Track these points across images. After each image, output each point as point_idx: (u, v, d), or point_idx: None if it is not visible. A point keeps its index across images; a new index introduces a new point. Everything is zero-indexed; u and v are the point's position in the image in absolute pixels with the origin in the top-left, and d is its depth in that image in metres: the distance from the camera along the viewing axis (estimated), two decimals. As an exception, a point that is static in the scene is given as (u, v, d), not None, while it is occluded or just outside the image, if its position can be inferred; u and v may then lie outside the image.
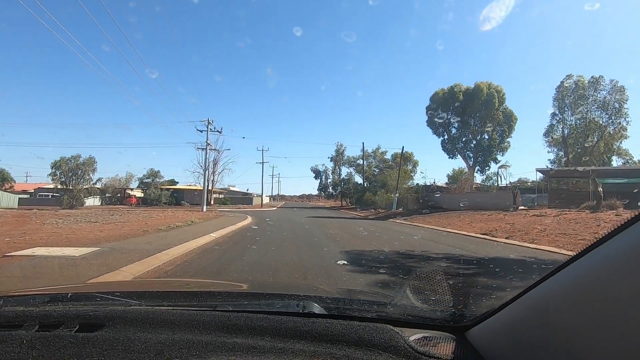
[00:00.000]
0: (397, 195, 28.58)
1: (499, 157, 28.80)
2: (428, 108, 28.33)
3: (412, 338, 0.92)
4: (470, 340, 0.96)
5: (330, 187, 57.66)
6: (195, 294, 1.35)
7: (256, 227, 15.51)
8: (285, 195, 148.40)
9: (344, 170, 56.15)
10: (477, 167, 28.04)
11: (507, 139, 27.40)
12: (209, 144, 28.93)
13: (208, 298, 1.25)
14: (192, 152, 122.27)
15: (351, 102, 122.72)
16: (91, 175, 49.96)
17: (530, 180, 35.74)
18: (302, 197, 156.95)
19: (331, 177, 57.61)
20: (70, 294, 1.18)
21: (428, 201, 26.37)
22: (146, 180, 55.79)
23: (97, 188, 50.57)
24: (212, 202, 52.61)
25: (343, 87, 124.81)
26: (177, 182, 58.11)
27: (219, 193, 63.16)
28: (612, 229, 0.59)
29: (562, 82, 29.02)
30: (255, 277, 5.25)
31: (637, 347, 0.49)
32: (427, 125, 28.72)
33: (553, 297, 0.73)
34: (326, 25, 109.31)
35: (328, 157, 57.62)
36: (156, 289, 1.57)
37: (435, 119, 27.16)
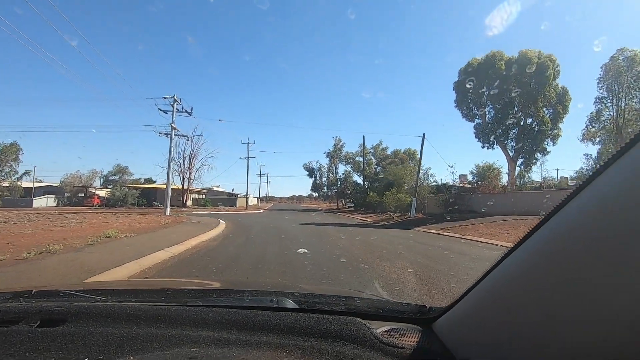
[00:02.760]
0: (415, 197, 22.56)
1: (548, 147, 22.37)
2: (457, 85, 21.76)
3: (379, 330, 0.94)
4: (436, 332, 0.98)
5: (325, 187, 51.38)
6: (166, 291, 1.35)
7: (219, 245, 9.20)
8: (274, 197, 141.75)
9: (341, 169, 50.09)
10: (520, 159, 22.31)
11: (559, 124, 21.33)
12: (174, 127, 22.37)
13: (180, 295, 1.26)
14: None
15: (350, 97, 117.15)
16: (14, 166, 40.21)
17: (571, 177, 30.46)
18: (292, 198, 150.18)
19: (326, 175, 51.40)
20: (34, 291, 1.15)
21: (453, 203, 20.52)
22: (112, 178, 48.50)
23: (54, 186, 43.18)
24: (188, 203, 45.93)
25: (342, 82, 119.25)
26: (155, 181, 51.40)
27: (200, 193, 56.38)
28: (549, 211, 0.63)
29: (612, 58, 23.47)
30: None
31: (581, 317, 0.53)
32: (456, 107, 21.81)
33: (503, 280, 0.76)
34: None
35: (324, 153, 51.57)
36: (128, 287, 1.60)
37: (468, 98, 20.82)
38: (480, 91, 19.90)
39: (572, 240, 0.57)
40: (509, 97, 18.82)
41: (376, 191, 35.14)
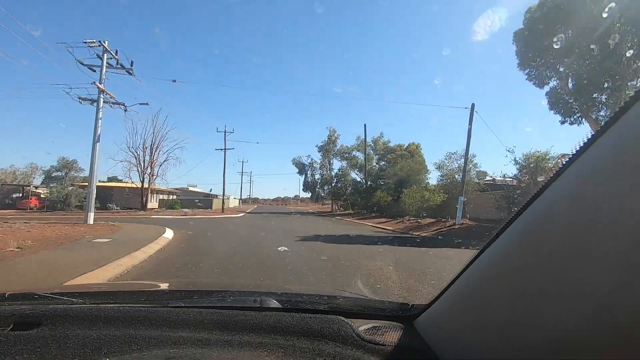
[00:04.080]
0: (463, 195, 15.71)
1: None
2: (519, 36, 14.63)
3: (361, 328, 0.94)
4: (417, 329, 0.99)
5: (318, 186, 44.06)
6: (146, 292, 1.31)
7: None
8: (258, 199, 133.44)
9: (336, 165, 43.00)
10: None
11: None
12: (102, 89, 14.73)
13: (161, 295, 1.26)
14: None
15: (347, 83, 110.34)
16: None
17: None
18: (277, 200, 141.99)
19: (319, 172, 44.13)
20: (7, 294, 1.12)
21: (518, 203, 13.94)
22: (56, 174, 39.81)
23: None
24: (151, 205, 37.99)
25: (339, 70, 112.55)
26: (122, 180, 43.11)
27: (170, 193, 48.33)
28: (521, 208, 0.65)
29: None
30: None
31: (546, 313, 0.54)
32: (519, 68, 14.72)
33: (477, 277, 0.78)
34: None
35: (316, 147, 44.10)
36: (107, 289, 1.55)
37: (539, 49, 13.30)
38: (555, 41, 13.31)
39: (543, 234, 0.58)
40: (606, 48, 12.24)
41: (384, 190, 28.36)
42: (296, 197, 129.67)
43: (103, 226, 12.80)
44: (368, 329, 0.96)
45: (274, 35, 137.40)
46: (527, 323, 0.58)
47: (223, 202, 33.94)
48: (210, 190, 62.73)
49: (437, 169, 21.49)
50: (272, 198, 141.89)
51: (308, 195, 49.02)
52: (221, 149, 33.84)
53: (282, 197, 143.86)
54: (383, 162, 34.43)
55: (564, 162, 0.57)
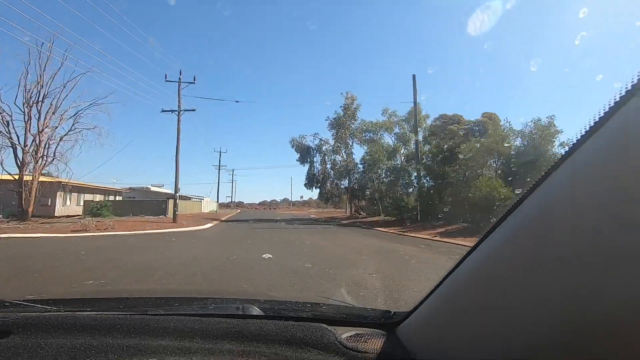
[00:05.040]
0: None
1: None
2: None
3: (344, 335, 0.94)
4: (399, 336, 0.98)
5: (328, 182, 29.60)
6: (125, 299, 1.28)
7: None
8: (243, 203, 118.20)
9: (358, 152, 29.24)
10: None
11: None
12: None
13: (140, 303, 1.20)
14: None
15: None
16: None
17: None
18: (263, 203, 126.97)
19: (330, 159, 29.98)
20: None
21: None
22: None
23: None
24: (62, 210, 23.71)
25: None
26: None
27: (109, 193, 33.71)
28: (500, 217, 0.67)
29: None
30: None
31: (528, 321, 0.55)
32: None
33: (459, 284, 0.79)
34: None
35: (326, 120, 30.07)
36: (83, 296, 1.53)
37: None
38: None
39: (524, 241, 0.59)
40: None
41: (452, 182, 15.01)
42: (286, 201, 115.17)
43: None
44: (351, 336, 0.96)
45: None
46: (507, 331, 0.59)
47: (175, 206, 19.80)
48: (169, 191, 48.38)
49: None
50: (257, 202, 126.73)
51: (312, 193, 34.62)
52: (172, 112, 19.65)
53: (268, 200, 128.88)
54: (451, 145, 21.03)
55: (551, 164, 0.56)
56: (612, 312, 0.42)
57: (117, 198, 35.20)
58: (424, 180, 20.14)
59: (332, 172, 29.55)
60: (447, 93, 65.72)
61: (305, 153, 30.06)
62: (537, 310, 0.53)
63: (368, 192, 27.62)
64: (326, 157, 29.88)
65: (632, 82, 0.45)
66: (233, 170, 69.87)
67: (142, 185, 43.70)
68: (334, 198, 31.14)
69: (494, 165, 17.93)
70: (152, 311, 1.02)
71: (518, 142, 17.66)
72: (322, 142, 29.37)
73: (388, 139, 28.15)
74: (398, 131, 27.76)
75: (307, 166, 30.28)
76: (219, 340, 0.86)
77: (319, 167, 29.76)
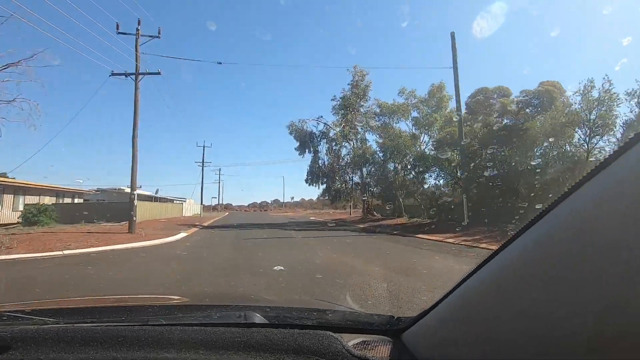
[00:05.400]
0: None
1: None
2: None
3: (351, 343, 0.93)
4: (406, 343, 0.98)
5: (337, 175, 23.81)
6: (125, 308, 1.28)
7: None
8: (232, 205, 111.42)
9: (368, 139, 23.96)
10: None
11: None
12: None
13: (140, 312, 1.19)
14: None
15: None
16: None
17: None
18: (252, 205, 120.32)
19: (336, 146, 24.12)
20: None
21: None
22: None
23: None
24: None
25: None
26: None
27: (65, 195, 27.84)
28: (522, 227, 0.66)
29: None
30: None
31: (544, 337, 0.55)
32: None
33: (473, 292, 0.78)
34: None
35: (332, 100, 24.58)
36: (81, 305, 1.49)
37: None
38: None
39: (550, 253, 0.58)
40: None
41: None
42: (276, 202, 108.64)
43: None
44: (357, 343, 0.96)
45: None
46: (518, 342, 0.59)
47: (133, 209, 13.96)
48: (156, 192, 42.10)
49: None
50: (246, 204, 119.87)
51: (313, 192, 28.89)
52: (127, 76, 13.93)
53: (258, 202, 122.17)
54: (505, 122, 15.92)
55: (591, 169, 0.53)
56: (628, 329, 0.42)
57: (77, 200, 29.17)
58: (477, 171, 14.91)
59: (342, 162, 23.90)
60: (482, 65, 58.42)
61: (306, 141, 24.41)
62: (552, 325, 0.52)
63: (381, 188, 22.38)
64: (334, 145, 24.18)
65: None
66: (220, 170, 63.83)
67: (115, 187, 37.50)
68: (344, 196, 25.47)
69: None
70: (153, 321, 1.00)
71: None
72: (328, 127, 23.80)
73: (404, 127, 22.99)
74: (417, 115, 22.62)
75: (308, 157, 24.77)
76: (224, 351, 0.84)
77: (325, 158, 24.21)
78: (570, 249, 0.53)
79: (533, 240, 0.63)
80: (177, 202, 46.66)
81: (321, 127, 24.64)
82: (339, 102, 23.49)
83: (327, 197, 25.07)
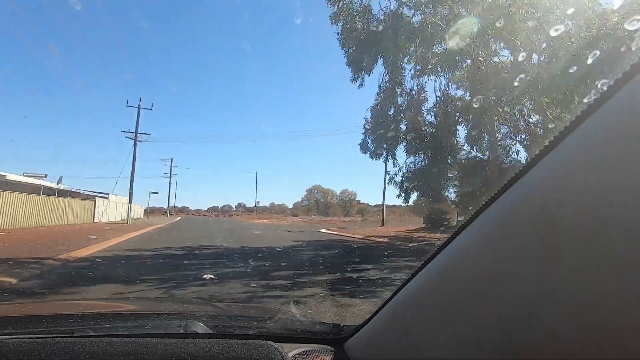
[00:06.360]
0: None
1: None
2: None
3: (291, 353, 0.92)
4: (347, 352, 0.98)
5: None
6: (47, 317, 1.14)
7: None
8: (188, 208, 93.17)
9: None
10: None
11: None
12: None
13: (65, 322, 1.06)
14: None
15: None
16: None
17: None
18: (213, 209, 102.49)
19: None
20: None
21: None
22: None
23: None
24: None
25: None
26: None
27: None
28: (446, 239, 0.67)
29: None
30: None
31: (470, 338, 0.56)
32: None
33: (405, 302, 0.80)
34: None
35: None
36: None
37: None
38: None
39: (468, 261, 0.60)
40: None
41: None
42: (241, 206, 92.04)
43: None
44: (298, 354, 0.94)
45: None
46: (457, 346, 0.59)
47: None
48: (59, 182, 26.03)
49: None
50: (205, 208, 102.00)
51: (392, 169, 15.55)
52: None
53: (220, 205, 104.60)
54: None
55: (524, 164, 0.52)
56: (554, 322, 0.41)
57: None
58: None
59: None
60: None
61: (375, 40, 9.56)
62: (490, 325, 0.52)
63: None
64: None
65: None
66: (172, 159, 48.17)
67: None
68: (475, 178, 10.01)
69: None
70: (79, 332, 0.91)
71: None
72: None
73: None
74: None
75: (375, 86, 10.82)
76: None
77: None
78: (484, 257, 0.55)
79: (453, 250, 0.64)
80: (101, 197, 30.60)
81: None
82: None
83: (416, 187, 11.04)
